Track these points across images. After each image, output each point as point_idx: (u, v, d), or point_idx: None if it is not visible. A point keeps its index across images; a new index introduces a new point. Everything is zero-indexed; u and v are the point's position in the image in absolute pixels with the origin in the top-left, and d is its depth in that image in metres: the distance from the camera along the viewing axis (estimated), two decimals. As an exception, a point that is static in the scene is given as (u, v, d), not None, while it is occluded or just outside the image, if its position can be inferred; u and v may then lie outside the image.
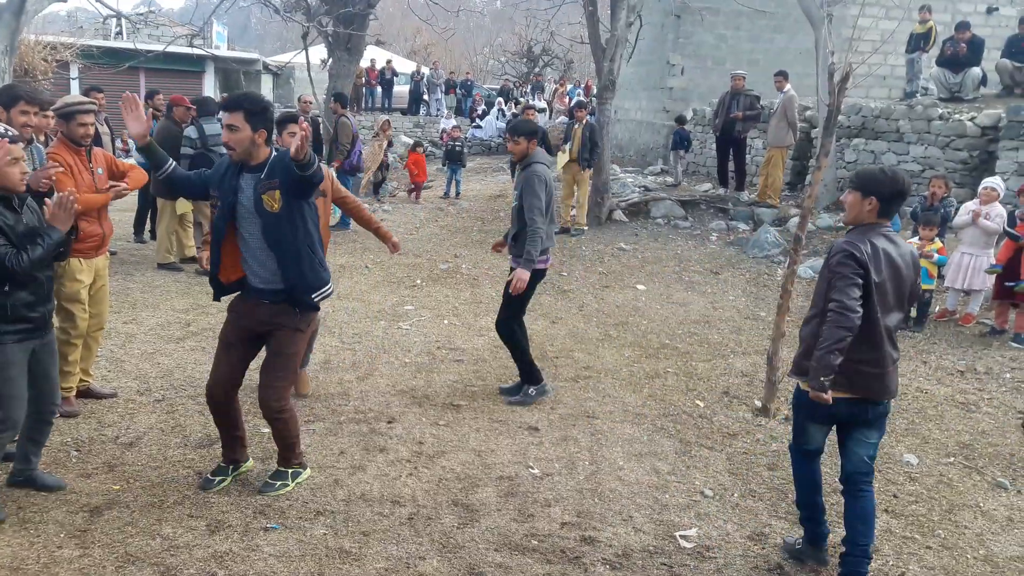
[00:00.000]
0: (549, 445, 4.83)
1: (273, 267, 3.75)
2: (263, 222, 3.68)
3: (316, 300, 3.81)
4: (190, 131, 8.38)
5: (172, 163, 3.98)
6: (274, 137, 4.45)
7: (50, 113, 4.71)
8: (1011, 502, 4.46)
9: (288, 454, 4.09)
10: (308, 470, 4.22)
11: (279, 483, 4.05)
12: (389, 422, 5.04)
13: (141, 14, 18.70)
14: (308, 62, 15.10)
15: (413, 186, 15.09)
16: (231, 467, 4.14)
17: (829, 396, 3.30)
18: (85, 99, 4.82)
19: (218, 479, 4.06)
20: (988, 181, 7.88)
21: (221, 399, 3.94)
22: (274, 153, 3.77)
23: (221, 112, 3.78)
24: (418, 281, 8.78)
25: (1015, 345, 7.32)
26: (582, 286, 9.08)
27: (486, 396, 5.57)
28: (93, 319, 4.88)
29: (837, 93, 4.94)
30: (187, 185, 4.04)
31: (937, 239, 7.81)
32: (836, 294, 3.28)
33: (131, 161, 7.95)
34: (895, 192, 3.39)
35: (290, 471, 4.11)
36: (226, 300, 4.05)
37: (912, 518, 4.20)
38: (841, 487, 3.64)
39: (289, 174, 3.57)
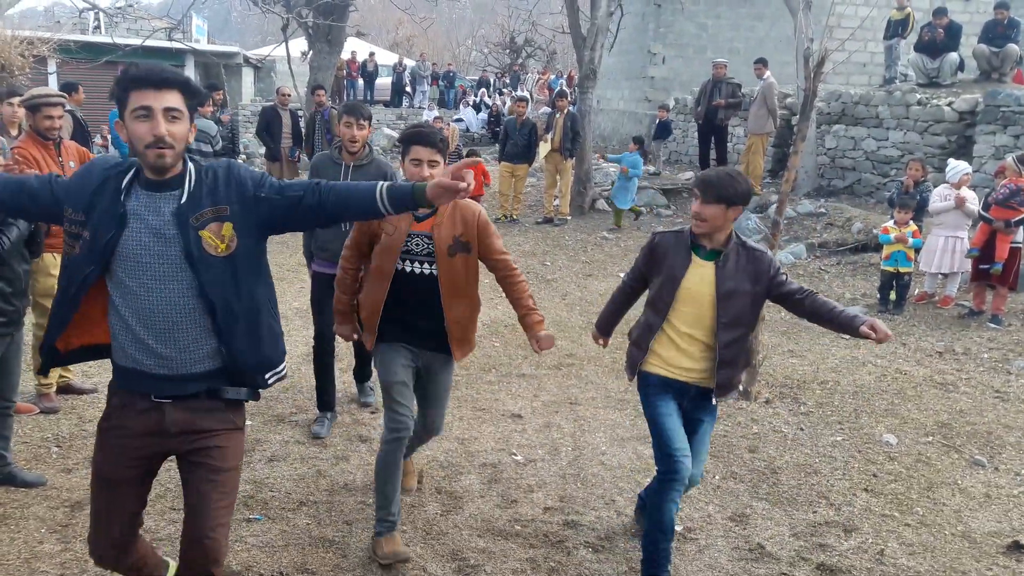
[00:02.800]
0: (532, 432, 4.85)
1: (204, 340, 2.37)
2: (199, 273, 2.30)
3: (271, 382, 2.53)
4: None
5: None
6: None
7: (15, 102, 4.69)
8: (988, 479, 4.52)
9: None
10: None
11: None
12: (372, 412, 5.04)
13: (119, 8, 18.54)
14: (288, 55, 15.03)
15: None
16: None
17: None
18: (52, 91, 4.77)
19: None
20: (962, 167, 7.95)
21: (115, 561, 2.57)
22: (194, 161, 2.40)
23: (139, 89, 2.25)
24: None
25: (992, 326, 7.40)
26: (565, 275, 9.11)
27: (468, 384, 5.58)
28: (71, 314, 4.84)
29: (813, 78, 4.97)
30: (14, 196, 2.39)
31: (912, 223, 7.89)
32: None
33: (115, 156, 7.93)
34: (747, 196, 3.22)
35: None
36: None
37: (891, 496, 4.25)
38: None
39: (281, 199, 2.39)
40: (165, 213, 2.30)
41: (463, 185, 2.30)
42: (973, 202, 7.79)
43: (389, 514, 3.42)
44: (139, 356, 2.35)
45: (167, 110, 2.24)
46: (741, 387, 5.60)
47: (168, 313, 2.31)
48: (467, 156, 12.88)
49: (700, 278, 3.24)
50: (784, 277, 3.27)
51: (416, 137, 3.31)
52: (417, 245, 3.32)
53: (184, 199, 2.31)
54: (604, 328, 3.87)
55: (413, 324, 3.40)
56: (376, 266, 3.36)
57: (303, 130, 12.44)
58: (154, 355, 2.34)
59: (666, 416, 3.29)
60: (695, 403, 3.39)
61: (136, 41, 16.90)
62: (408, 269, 3.33)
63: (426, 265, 3.34)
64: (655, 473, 3.33)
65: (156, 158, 2.25)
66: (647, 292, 3.50)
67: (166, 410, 2.39)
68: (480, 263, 3.45)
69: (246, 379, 2.47)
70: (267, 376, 2.51)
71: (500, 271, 3.50)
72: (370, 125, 4.67)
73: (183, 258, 2.29)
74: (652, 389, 3.37)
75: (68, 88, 8.78)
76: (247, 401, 2.54)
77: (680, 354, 3.31)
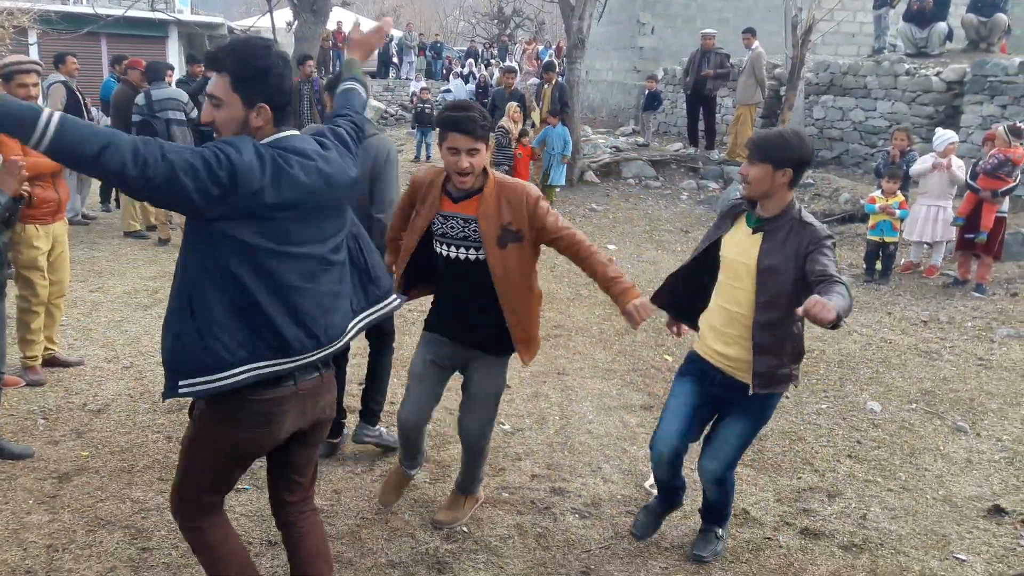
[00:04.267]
0: (520, 401, 4.87)
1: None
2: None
3: (181, 391, 2.18)
4: (139, 97, 8.25)
5: None
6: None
7: None
8: (970, 445, 4.58)
9: None
10: None
11: None
12: (360, 384, 5.04)
13: (99, -23, 18.20)
14: (273, 25, 14.81)
15: None
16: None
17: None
18: (25, 59, 4.68)
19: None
20: (949, 135, 7.96)
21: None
22: None
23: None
24: (389, 245, 8.75)
25: (976, 295, 7.46)
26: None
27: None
28: (54, 286, 4.81)
29: (801, 45, 4.95)
30: None
31: (899, 192, 7.91)
32: (837, 273, 2.74)
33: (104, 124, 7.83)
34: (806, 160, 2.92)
35: None
36: None
37: (874, 462, 4.30)
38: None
39: None
40: None
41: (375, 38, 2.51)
42: (960, 170, 7.80)
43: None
44: None
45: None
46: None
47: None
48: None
49: (740, 247, 2.98)
50: (819, 256, 2.78)
51: (452, 123, 2.90)
52: (452, 228, 3.03)
53: None
54: (661, 303, 3.38)
55: (464, 317, 3.14)
56: (405, 238, 3.20)
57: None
58: None
59: (673, 397, 3.23)
60: (726, 394, 3.10)
61: (118, 11, 16.63)
62: (451, 255, 3.07)
63: (471, 251, 3.03)
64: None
65: None
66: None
67: None
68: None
69: (170, 376, 2.21)
70: (179, 383, 2.17)
71: (566, 250, 3.09)
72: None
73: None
74: (683, 366, 3.26)
75: (59, 59, 8.63)
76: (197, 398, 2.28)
77: (716, 335, 3.07)
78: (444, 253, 3.09)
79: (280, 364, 2.23)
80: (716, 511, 3.36)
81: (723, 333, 3.04)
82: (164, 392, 2.23)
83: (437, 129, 3.06)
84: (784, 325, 2.92)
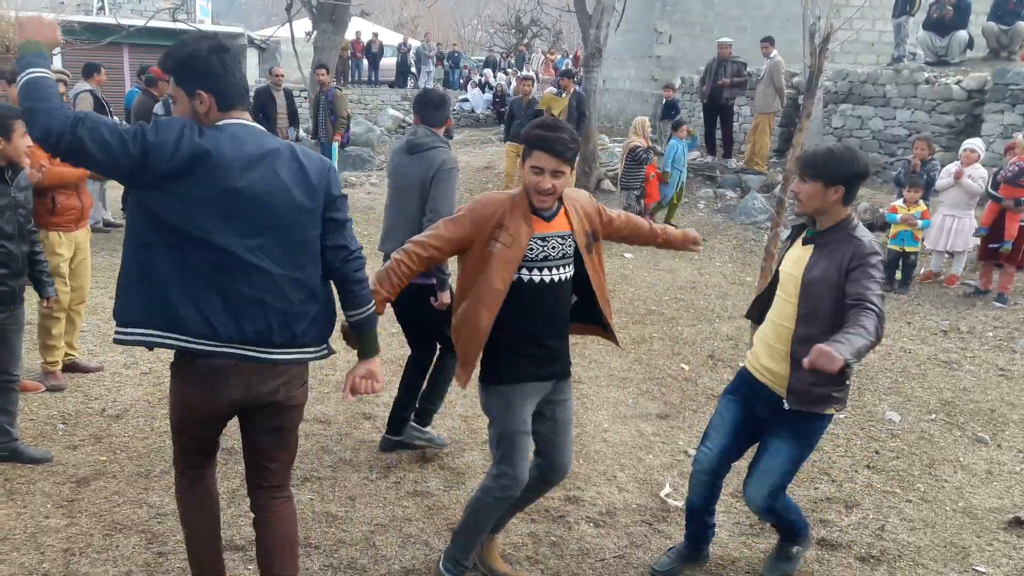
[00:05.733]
0: (535, 410, 4.86)
1: None
2: None
3: (116, 337, 2.38)
4: (157, 106, 8.39)
5: None
6: None
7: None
8: (990, 456, 4.52)
9: None
10: None
11: None
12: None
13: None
14: (292, 35, 14.95)
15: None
16: None
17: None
18: (55, 68, 4.75)
19: None
20: (969, 143, 7.90)
21: None
22: None
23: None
24: (405, 253, 8.78)
25: (998, 305, 7.38)
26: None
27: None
28: (75, 292, 4.87)
29: (819, 54, 4.93)
30: None
31: (921, 202, 7.84)
32: (876, 298, 2.66)
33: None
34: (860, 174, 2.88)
35: None
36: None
37: (893, 473, 4.26)
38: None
39: None
40: None
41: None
42: (977, 179, 7.72)
43: (465, 558, 3.09)
44: None
45: None
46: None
47: None
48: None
49: (793, 260, 2.94)
50: (861, 274, 2.70)
51: (540, 142, 2.72)
52: (554, 248, 2.81)
53: None
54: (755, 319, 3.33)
55: (545, 346, 2.88)
56: (486, 282, 2.76)
57: (308, 109, 12.39)
58: None
59: (717, 414, 3.17)
60: (771, 413, 2.99)
61: (140, 22, 16.84)
62: (538, 279, 2.81)
63: (565, 269, 2.85)
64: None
65: None
66: None
67: None
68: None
69: None
70: (116, 328, 2.38)
71: (628, 232, 3.17)
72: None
73: None
74: (731, 384, 3.20)
75: (90, 69, 8.91)
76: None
77: (766, 349, 3.00)
78: (536, 279, 2.81)
79: (177, 340, 2.32)
80: (784, 531, 3.27)
81: (772, 348, 2.98)
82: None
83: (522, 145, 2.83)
84: (821, 341, 2.73)
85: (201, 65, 2.31)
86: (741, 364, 5.59)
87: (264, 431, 2.56)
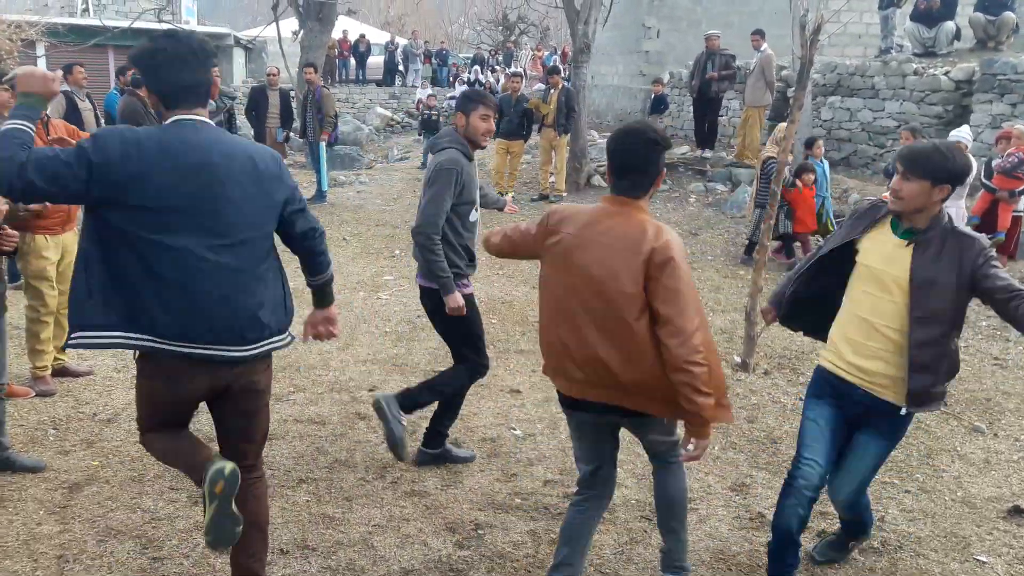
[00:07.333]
0: (531, 406, 4.84)
1: None
2: None
3: (71, 342, 2.42)
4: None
5: None
6: None
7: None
8: (987, 445, 4.52)
9: None
10: None
11: None
12: (370, 390, 5.02)
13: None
14: (279, 34, 14.88)
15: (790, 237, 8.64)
16: None
17: None
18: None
19: None
20: (955, 133, 7.91)
21: None
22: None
23: None
24: (396, 252, 8.73)
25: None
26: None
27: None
28: (63, 296, 4.79)
29: (809, 45, 4.92)
30: None
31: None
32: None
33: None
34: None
35: None
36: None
37: (891, 464, 4.24)
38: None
39: None
40: None
41: None
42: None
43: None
44: None
45: None
46: (739, 358, 5.58)
47: None
48: (797, 175, 8.29)
49: (886, 257, 2.78)
50: (993, 270, 2.67)
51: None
52: None
53: None
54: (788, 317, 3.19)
55: None
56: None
57: (296, 109, 12.31)
58: None
59: (810, 421, 2.96)
60: (865, 413, 2.89)
61: (124, 23, 16.71)
62: None
63: None
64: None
65: None
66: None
67: None
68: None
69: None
70: (71, 335, 2.42)
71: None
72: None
73: None
74: (814, 387, 3.00)
75: (66, 69, 8.63)
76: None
77: (853, 347, 2.85)
78: None
79: (152, 342, 2.38)
80: (855, 528, 3.25)
81: (863, 346, 2.83)
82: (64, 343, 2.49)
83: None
84: (942, 343, 2.73)
85: (144, 65, 2.41)
86: (735, 357, 5.60)
87: (235, 414, 2.64)
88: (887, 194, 7.76)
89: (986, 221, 7.43)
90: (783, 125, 8.81)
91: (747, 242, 8.75)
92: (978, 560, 3.42)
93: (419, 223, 3.69)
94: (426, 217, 3.65)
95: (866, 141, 12.24)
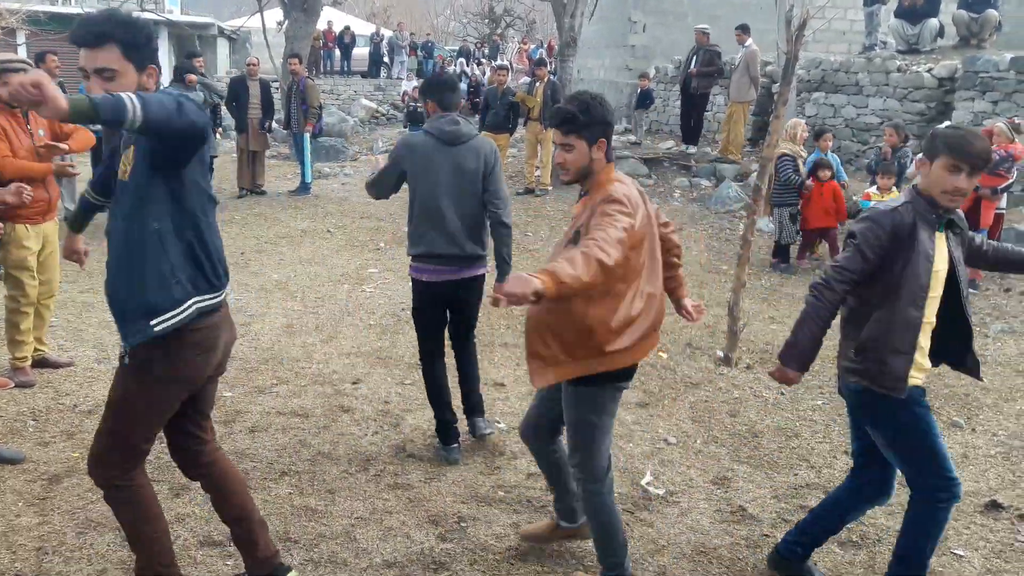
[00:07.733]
0: (515, 400, 4.85)
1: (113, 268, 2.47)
2: (116, 197, 2.50)
3: (156, 329, 2.38)
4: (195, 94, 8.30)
5: None
6: None
7: None
8: (966, 440, 4.57)
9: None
10: None
11: None
12: (354, 383, 5.02)
13: (88, -22, 18.14)
14: (264, 24, 14.77)
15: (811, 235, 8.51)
16: None
17: None
18: (14, 57, 4.63)
19: None
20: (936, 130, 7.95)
21: None
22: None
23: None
24: (381, 244, 8.70)
25: (970, 291, 7.46)
26: (547, 245, 9.08)
27: (452, 355, 5.54)
28: (43, 287, 4.76)
29: (795, 40, 4.94)
30: None
31: (894, 188, 7.91)
32: None
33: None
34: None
35: None
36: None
37: (870, 458, 4.28)
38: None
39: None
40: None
41: None
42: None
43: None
44: None
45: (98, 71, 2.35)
46: (722, 353, 5.60)
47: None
48: (813, 171, 8.14)
49: (941, 254, 2.78)
50: (971, 234, 3.00)
51: (551, 118, 2.81)
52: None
53: None
54: (806, 361, 2.94)
55: None
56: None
57: (280, 100, 12.23)
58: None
59: (939, 437, 2.89)
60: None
61: (107, 11, 16.46)
62: None
63: None
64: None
65: None
66: (876, 285, 2.80)
67: None
68: None
69: (127, 320, 2.42)
70: (151, 323, 2.37)
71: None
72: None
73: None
74: (922, 409, 2.86)
75: (39, 57, 8.48)
76: (135, 344, 2.42)
77: (922, 353, 2.84)
78: None
79: (214, 297, 2.51)
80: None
81: (924, 349, 2.84)
82: (130, 339, 2.41)
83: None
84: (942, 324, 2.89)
85: (156, 44, 2.56)
86: (717, 351, 5.63)
87: (211, 380, 2.71)
88: (870, 191, 7.76)
89: (968, 218, 7.46)
90: (796, 120, 8.89)
91: (775, 245, 8.60)
92: (955, 554, 3.46)
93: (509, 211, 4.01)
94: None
95: (850, 137, 12.32)
